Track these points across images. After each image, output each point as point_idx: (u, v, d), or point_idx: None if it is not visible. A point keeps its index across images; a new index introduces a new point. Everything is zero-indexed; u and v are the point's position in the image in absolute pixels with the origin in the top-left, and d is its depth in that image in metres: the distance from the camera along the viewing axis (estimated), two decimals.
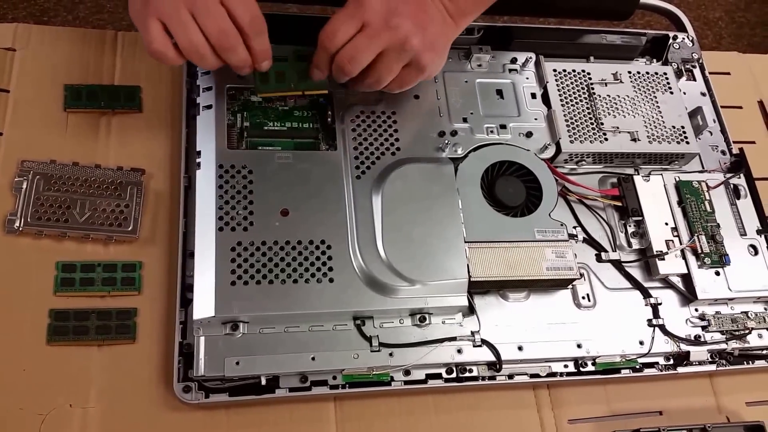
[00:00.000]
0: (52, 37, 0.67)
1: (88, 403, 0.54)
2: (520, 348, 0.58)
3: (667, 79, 0.71)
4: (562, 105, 0.67)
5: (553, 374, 0.59)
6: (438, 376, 0.57)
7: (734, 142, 0.73)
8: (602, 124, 0.67)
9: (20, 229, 0.57)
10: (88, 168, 0.60)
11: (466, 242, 0.58)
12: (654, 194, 0.65)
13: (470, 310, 0.58)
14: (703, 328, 0.63)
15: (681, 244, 0.63)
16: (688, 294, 0.63)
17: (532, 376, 0.59)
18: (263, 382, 0.54)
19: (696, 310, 0.63)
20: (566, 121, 0.66)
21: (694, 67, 0.77)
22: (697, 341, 0.62)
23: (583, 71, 0.70)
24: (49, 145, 0.61)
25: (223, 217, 0.55)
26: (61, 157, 0.60)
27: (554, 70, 0.69)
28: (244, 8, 0.52)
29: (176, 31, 0.51)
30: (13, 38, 0.66)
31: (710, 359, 0.62)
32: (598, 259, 0.64)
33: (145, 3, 0.51)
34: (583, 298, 0.62)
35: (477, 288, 0.58)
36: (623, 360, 0.60)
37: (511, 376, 0.59)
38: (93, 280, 0.57)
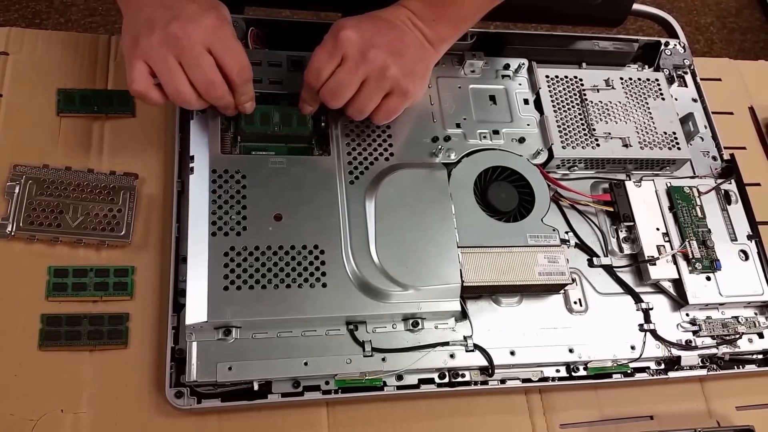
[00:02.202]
0: (45, 41, 0.67)
1: (79, 408, 0.53)
2: (512, 353, 0.59)
3: (658, 85, 0.71)
4: (555, 111, 0.68)
5: (545, 379, 0.60)
6: (431, 380, 0.57)
7: (725, 148, 0.73)
8: (594, 129, 0.67)
9: (12, 233, 0.57)
10: (81, 172, 0.60)
11: (459, 247, 0.59)
12: (645, 200, 0.66)
13: (463, 315, 0.59)
14: (694, 332, 0.63)
15: (672, 249, 0.64)
16: (679, 299, 0.63)
17: (525, 380, 0.59)
18: (256, 387, 0.54)
19: (687, 315, 0.64)
20: (558, 126, 0.67)
21: (686, 73, 0.77)
22: (688, 346, 0.62)
23: (576, 77, 0.70)
24: (41, 149, 0.61)
25: (216, 222, 0.55)
26: (54, 162, 0.60)
27: (547, 76, 0.69)
28: (231, 58, 0.53)
29: (163, 78, 0.52)
30: (5, 42, 0.66)
31: (701, 364, 0.63)
32: (590, 264, 0.64)
33: (133, 44, 0.52)
34: (575, 303, 0.62)
35: (470, 293, 0.59)
36: (615, 365, 0.61)
37: (503, 381, 0.59)
38: (85, 285, 0.57)
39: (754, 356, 0.65)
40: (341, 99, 0.56)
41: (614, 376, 0.61)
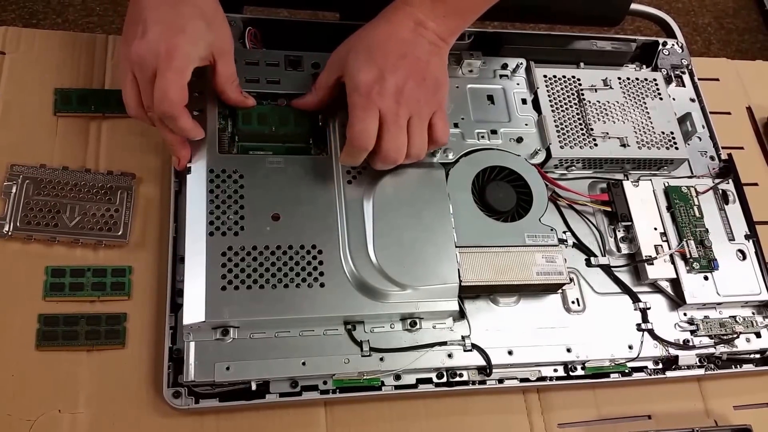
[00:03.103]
0: (43, 41, 0.67)
1: (77, 408, 0.53)
2: (510, 352, 0.59)
3: (656, 85, 0.72)
4: (553, 111, 0.68)
5: (542, 378, 0.60)
6: (428, 380, 0.57)
7: (723, 148, 0.73)
8: (592, 129, 0.67)
9: (9, 233, 0.57)
10: (78, 172, 0.60)
11: (456, 247, 0.59)
12: (643, 199, 0.66)
13: (461, 315, 0.59)
14: (692, 332, 0.63)
15: (670, 249, 0.64)
16: (676, 298, 0.63)
17: (522, 380, 0.59)
18: (253, 387, 0.54)
19: (684, 314, 0.64)
20: (556, 126, 0.67)
21: (684, 73, 0.77)
22: (685, 345, 0.62)
23: (573, 77, 0.70)
24: (38, 149, 0.61)
25: (213, 221, 0.55)
26: (51, 162, 0.60)
27: (545, 76, 0.69)
28: (158, 88, 0.51)
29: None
30: (2, 42, 0.66)
31: (699, 363, 0.63)
32: (588, 263, 0.64)
33: (124, 43, 0.54)
34: (573, 302, 0.62)
35: (467, 293, 0.59)
36: (612, 364, 0.61)
37: (501, 381, 0.59)
38: (82, 285, 0.57)
39: (752, 356, 0.65)
40: (401, 159, 0.56)
41: (612, 375, 0.61)
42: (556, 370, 0.60)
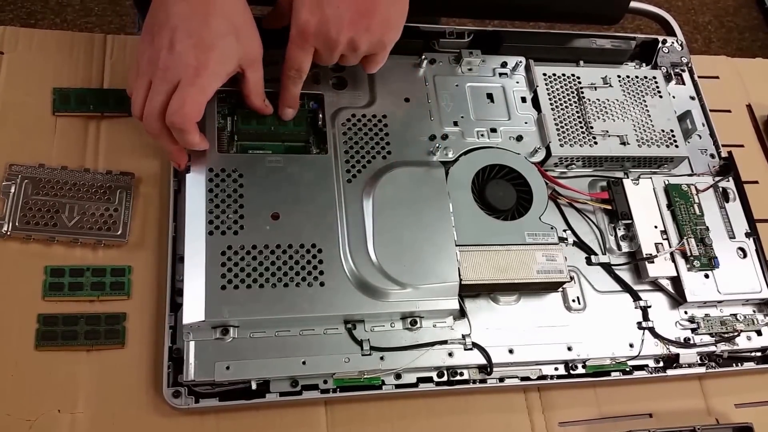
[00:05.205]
0: (41, 40, 0.66)
1: (76, 408, 0.53)
2: (510, 351, 0.58)
3: (656, 82, 0.71)
4: (552, 109, 0.68)
5: (543, 377, 0.60)
6: (429, 379, 0.57)
7: (723, 146, 0.73)
8: (592, 127, 0.67)
9: (8, 233, 0.56)
10: (77, 172, 0.60)
11: (456, 246, 0.58)
12: (643, 197, 0.66)
13: (461, 314, 0.58)
14: (693, 330, 0.63)
15: (670, 247, 0.64)
16: (677, 297, 0.63)
17: (523, 379, 0.59)
18: (254, 386, 0.54)
19: (685, 312, 0.64)
20: (556, 124, 0.67)
21: (683, 71, 0.77)
22: (686, 344, 0.62)
23: (573, 75, 0.70)
24: (37, 148, 0.61)
25: (213, 221, 0.55)
26: (50, 161, 0.60)
27: (544, 74, 0.69)
28: (176, 103, 0.51)
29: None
30: (0, 42, 0.65)
31: (699, 361, 0.63)
32: (588, 262, 0.64)
33: (145, 42, 0.53)
34: (574, 301, 0.62)
35: (468, 291, 0.58)
36: (613, 363, 0.61)
37: (501, 379, 0.59)
38: (82, 284, 0.56)
39: (753, 354, 0.65)
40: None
41: (613, 374, 0.61)
42: (556, 369, 0.60)
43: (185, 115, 0.51)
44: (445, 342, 0.57)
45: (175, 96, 0.51)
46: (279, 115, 0.60)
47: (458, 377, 0.58)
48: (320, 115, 0.62)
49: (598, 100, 0.69)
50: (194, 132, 0.53)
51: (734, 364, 0.64)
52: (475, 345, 0.58)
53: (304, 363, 0.54)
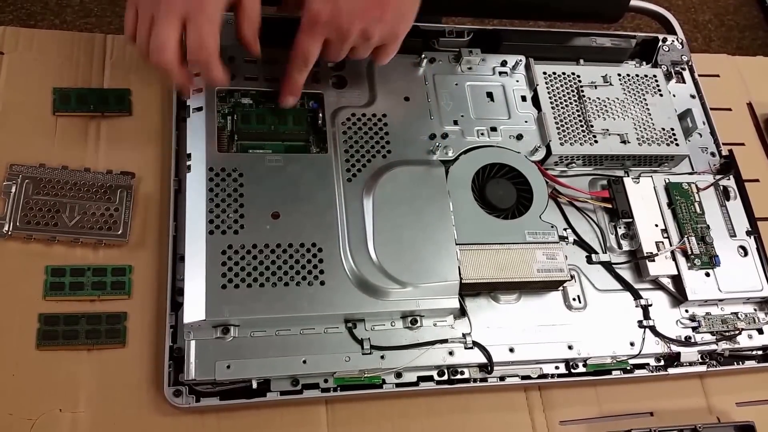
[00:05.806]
0: (41, 40, 0.66)
1: (77, 407, 0.53)
2: (511, 350, 0.58)
3: (656, 81, 0.71)
4: (552, 108, 0.68)
5: (544, 376, 0.60)
6: (429, 378, 0.57)
7: (723, 144, 0.73)
8: (592, 126, 0.67)
9: (9, 233, 0.56)
10: (78, 172, 0.60)
11: (457, 244, 0.58)
12: (644, 196, 0.66)
13: (461, 313, 0.58)
14: (694, 329, 0.63)
15: (671, 245, 0.64)
16: (678, 295, 0.63)
17: (524, 377, 0.59)
18: (254, 385, 0.54)
19: (686, 311, 0.64)
20: (556, 123, 0.67)
21: (684, 69, 0.77)
22: (687, 342, 0.62)
23: (573, 74, 0.70)
24: (38, 148, 0.61)
25: (213, 220, 0.55)
26: (51, 161, 0.60)
27: (544, 73, 0.69)
28: (194, 34, 0.51)
29: (137, 28, 0.53)
30: (1, 42, 0.65)
31: (700, 360, 0.63)
32: (589, 260, 0.64)
33: None
34: (574, 299, 0.62)
35: (468, 290, 0.58)
36: (614, 361, 0.61)
37: (502, 378, 0.59)
38: (83, 284, 0.57)
39: (754, 352, 0.65)
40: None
41: (614, 372, 0.61)
42: (557, 368, 0.60)
43: (209, 49, 0.52)
44: (445, 341, 0.57)
45: (190, 33, 0.51)
46: (279, 102, 0.60)
47: (459, 376, 0.58)
48: (320, 114, 0.62)
49: (599, 98, 0.69)
50: (218, 65, 0.54)
51: (735, 363, 0.64)
52: (475, 344, 0.58)
53: (304, 362, 0.54)
